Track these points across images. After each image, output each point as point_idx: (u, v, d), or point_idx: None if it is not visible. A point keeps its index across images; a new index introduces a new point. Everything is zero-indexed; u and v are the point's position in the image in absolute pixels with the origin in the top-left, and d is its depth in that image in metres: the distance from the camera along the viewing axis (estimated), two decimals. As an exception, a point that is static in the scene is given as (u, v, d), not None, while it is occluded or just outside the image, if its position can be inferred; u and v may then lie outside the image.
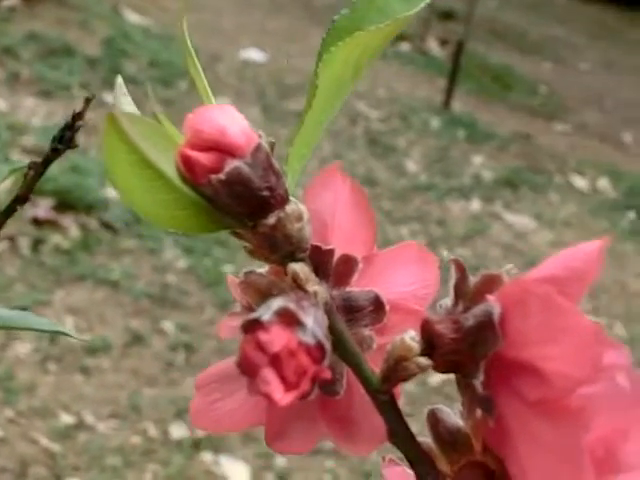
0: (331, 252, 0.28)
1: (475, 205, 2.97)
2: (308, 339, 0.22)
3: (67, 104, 2.59)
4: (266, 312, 0.22)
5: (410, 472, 0.28)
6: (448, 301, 0.26)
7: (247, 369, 0.22)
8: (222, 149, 0.24)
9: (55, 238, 2.22)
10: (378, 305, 0.28)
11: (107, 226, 2.34)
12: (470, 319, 0.25)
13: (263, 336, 0.22)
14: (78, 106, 0.46)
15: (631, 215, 3.25)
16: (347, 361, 0.26)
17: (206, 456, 1.79)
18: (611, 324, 2.50)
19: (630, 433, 0.27)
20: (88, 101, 0.56)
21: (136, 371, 1.97)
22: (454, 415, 0.29)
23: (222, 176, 0.24)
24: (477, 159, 3.26)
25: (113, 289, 2.17)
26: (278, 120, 3.07)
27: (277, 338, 0.22)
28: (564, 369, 0.23)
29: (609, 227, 3.06)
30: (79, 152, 2.54)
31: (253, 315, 0.22)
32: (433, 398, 1.91)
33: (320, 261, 0.27)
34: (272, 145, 0.25)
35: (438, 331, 0.25)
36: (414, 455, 0.25)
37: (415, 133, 3.34)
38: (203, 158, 0.24)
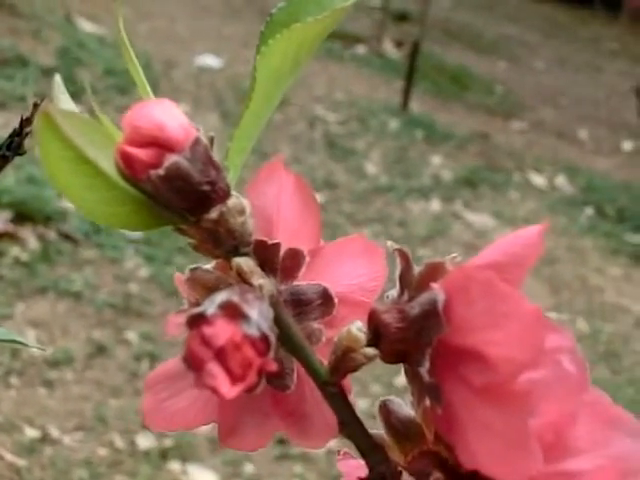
0: (277, 246, 0.28)
1: (435, 205, 2.98)
2: (253, 332, 0.22)
3: (22, 114, 2.56)
4: (210, 306, 0.22)
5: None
6: (394, 292, 0.26)
7: (193, 364, 0.22)
8: (161, 144, 0.24)
9: (14, 250, 2.19)
10: (326, 298, 0.28)
11: (66, 237, 2.32)
12: (415, 307, 0.25)
13: (207, 330, 0.22)
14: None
15: (589, 211, 3.28)
16: (295, 354, 0.26)
17: (174, 465, 1.78)
18: (573, 319, 2.52)
19: (578, 417, 0.27)
20: (36, 106, 0.56)
21: (100, 382, 1.95)
22: (406, 406, 0.29)
23: (161, 171, 0.24)
24: (436, 159, 3.28)
25: (75, 300, 2.15)
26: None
27: (221, 332, 0.22)
28: (508, 354, 0.23)
29: (568, 223, 3.09)
30: (35, 163, 2.52)
31: (197, 310, 0.22)
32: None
33: (266, 256, 0.27)
34: (211, 140, 0.25)
35: (384, 321, 0.25)
36: (365, 445, 0.26)
37: (374, 135, 3.35)
38: (142, 154, 0.24)
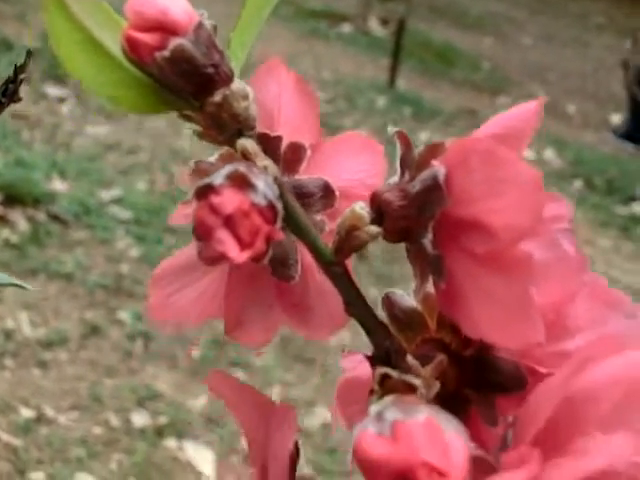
0: (279, 139, 0.28)
1: (424, 181, 2.98)
2: (260, 200, 0.23)
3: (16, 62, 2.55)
4: (217, 177, 0.23)
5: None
6: (396, 177, 0.27)
7: (202, 233, 0.22)
8: (165, 28, 0.24)
9: (4, 233, 2.19)
10: (328, 191, 0.29)
11: (56, 218, 2.32)
12: (417, 185, 0.25)
13: (216, 199, 0.22)
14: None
15: (578, 184, 3.30)
16: (299, 235, 0.26)
17: (170, 442, 1.78)
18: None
19: (577, 297, 0.28)
20: (29, 54, 0.56)
21: (95, 362, 1.96)
22: (408, 297, 0.30)
23: (166, 53, 0.24)
24: (424, 135, 3.28)
25: (67, 282, 2.16)
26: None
27: (229, 200, 0.22)
28: (508, 220, 0.23)
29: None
30: (24, 146, 2.52)
31: (205, 181, 0.23)
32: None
33: (268, 148, 0.28)
34: (214, 27, 0.25)
35: (386, 199, 0.26)
36: (370, 324, 0.26)
37: (362, 113, 3.35)
38: (147, 38, 0.24)
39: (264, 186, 0.23)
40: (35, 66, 2.89)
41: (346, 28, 4.32)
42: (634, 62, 3.80)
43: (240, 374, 1.86)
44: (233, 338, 0.30)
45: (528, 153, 3.41)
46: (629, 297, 0.29)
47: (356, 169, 0.29)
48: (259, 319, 0.29)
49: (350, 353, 0.32)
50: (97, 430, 1.79)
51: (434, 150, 0.26)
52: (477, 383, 0.28)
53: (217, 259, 0.22)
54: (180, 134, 2.86)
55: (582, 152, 3.57)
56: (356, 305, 0.26)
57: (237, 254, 0.22)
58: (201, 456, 1.78)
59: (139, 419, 1.82)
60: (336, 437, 1.74)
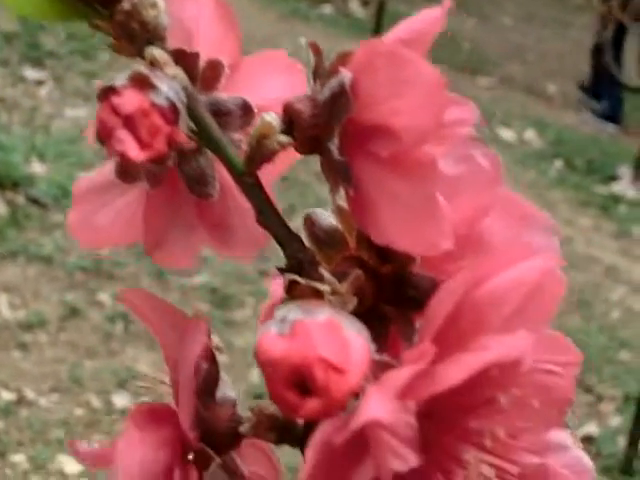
0: (196, 56, 0.28)
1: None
2: (161, 101, 0.23)
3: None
4: (119, 79, 0.23)
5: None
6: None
7: (103, 134, 0.23)
8: None
9: (-18, 215, 2.19)
10: (246, 110, 0.29)
11: (35, 202, 2.31)
12: (325, 92, 0.26)
13: (116, 100, 0.22)
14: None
15: (558, 164, 3.31)
16: (211, 147, 0.26)
17: (151, 422, 1.78)
18: (544, 270, 2.54)
19: (491, 212, 0.28)
20: None
21: (75, 344, 1.95)
22: (329, 216, 0.30)
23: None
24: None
25: (46, 264, 2.15)
26: None
27: (129, 100, 0.22)
28: (410, 121, 0.24)
29: (537, 176, 3.11)
30: (2, 129, 2.51)
31: (107, 83, 0.23)
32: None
33: (186, 65, 0.28)
34: None
35: (297, 109, 0.26)
36: (282, 235, 0.26)
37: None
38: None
39: (167, 89, 0.23)
40: (13, 49, 2.88)
41: (327, 9, 4.32)
42: (607, 42, 3.80)
43: (220, 355, 1.86)
44: (155, 259, 0.30)
45: (509, 134, 3.41)
46: (545, 213, 0.30)
47: (276, 88, 0.29)
48: (180, 240, 0.29)
49: (276, 276, 0.32)
50: (78, 412, 1.79)
51: (344, 58, 0.26)
52: (395, 300, 0.29)
53: (118, 155, 0.22)
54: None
55: (562, 132, 3.58)
56: (268, 215, 0.26)
57: (136, 153, 0.22)
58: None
59: (120, 400, 1.82)
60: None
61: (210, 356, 0.29)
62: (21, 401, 1.77)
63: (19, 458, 1.66)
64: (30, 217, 2.26)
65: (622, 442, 1.83)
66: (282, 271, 0.26)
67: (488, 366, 0.22)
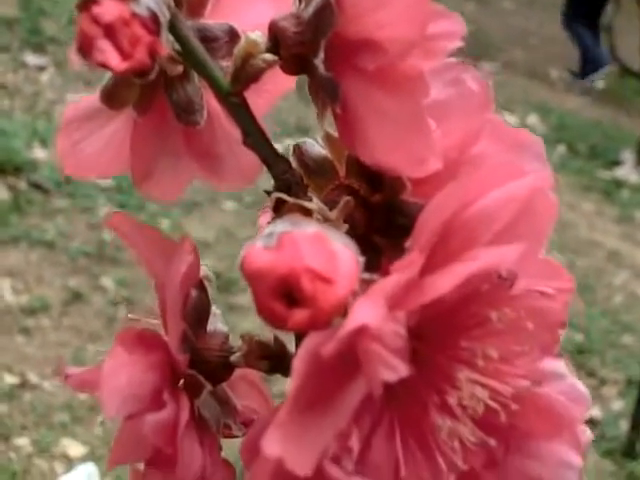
0: (181, -19, 0.28)
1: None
2: (142, 11, 0.22)
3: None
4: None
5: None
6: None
7: (84, 45, 0.22)
8: None
9: (-15, 201, 2.18)
10: (233, 36, 0.28)
11: (37, 187, 2.31)
12: (310, 9, 0.25)
13: (97, 9, 0.22)
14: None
15: (561, 149, 3.30)
16: (196, 67, 0.26)
17: (154, 406, 1.78)
18: (548, 253, 2.54)
19: (482, 136, 0.28)
20: None
21: (78, 328, 1.95)
22: (318, 145, 0.29)
23: None
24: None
25: (49, 249, 2.15)
26: None
27: (110, 9, 0.22)
28: (395, 32, 0.23)
29: (541, 160, 3.09)
30: (4, 115, 2.50)
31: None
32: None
33: (170, -10, 0.27)
34: None
35: (282, 27, 0.25)
36: (269, 155, 0.26)
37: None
38: None
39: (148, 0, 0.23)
40: (14, 35, 2.87)
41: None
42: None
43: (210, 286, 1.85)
44: (143, 192, 0.29)
45: (512, 119, 3.40)
46: (537, 139, 0.29)
47: (262, 13, 0.29)
48: (168, 170, 0.29)
49: (266, 209, 0.32)
50: (81, 395, 1.79)
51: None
52: (386, 229, 0.28)
53: (99, 66, 0.22)
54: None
55: (565, 118, 3.56)
56: (254, 136, 0.26)
57: (117, 63, 0.22)
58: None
59: (123, 384, 1.82)
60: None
61: (199, 284, 0.28)
62: (24, 385, 1.77)
63: (23, 442, 1.66)
64: (32, 202, 2.26)
65: (625, 425, 1.83)
66: (269, 193, 0.26)
67: (477, 273, 0.22)
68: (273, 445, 0.21)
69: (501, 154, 0.28)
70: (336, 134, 0.28)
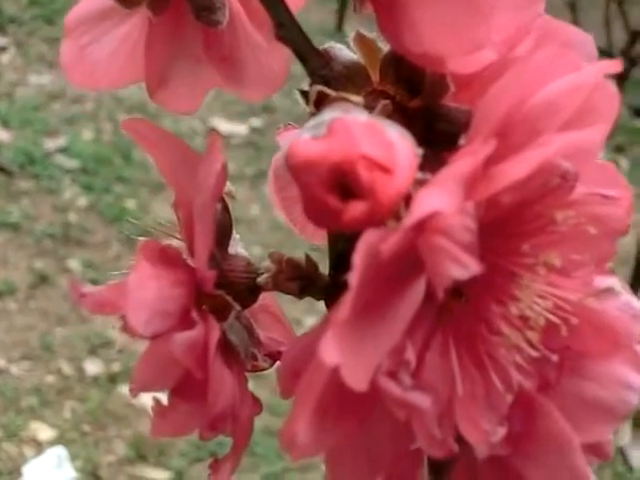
0: None
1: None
2: None
3: None
4: None
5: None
6: None
7: None
8: None
9: (-53, 183, 2.14)
10: None
11: (0, 169, 2.26)
12: None
13: None
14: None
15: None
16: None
17: (124, 389, 1.76)
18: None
19: (531, 29, 0.26)
20: None
21: (45, 311, 1.92)
22: (349, 50, 0.27)
23: None
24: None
25: (14, 232, 2.11)
26: None
27: None
28: None
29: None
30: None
31: None
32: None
33: None
34: None
35: None
36: (306, 49, 0.23)
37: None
38: None
39: None
40: (-28, 14, 2.80)
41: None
42: None
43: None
44: (158, 101, 0.27)
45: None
46: (591, 41, 0.27)
47: None
48: (186, 76, 0.26)
49: (287, 129, 0.29)
50: (49, 379, 1.76)
51: None
52: (426, 137, 0.26)
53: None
54: (126, 82, 2.79)
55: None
56: (289, 28, 0.23)
57: None
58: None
59: (92, 367, 1.79)
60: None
61: (223, 203, 0.26)
62: (-8, 369, 1.74)
63: (-9, 426, 1.63)
64: (-5, 185, 2.21)
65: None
66: (304, 94, 0.24)
67: (552, 158, 0.19)
68: (332, 352, 0.18)
69: (551, 51, 0.26)
70: (369, 34, 0.26)
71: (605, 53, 3.20)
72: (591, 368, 0.25)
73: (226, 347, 0.24)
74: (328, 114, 0.21)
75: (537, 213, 0.22)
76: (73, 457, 1.57)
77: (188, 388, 0.23)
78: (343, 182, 0.19)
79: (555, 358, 0.23)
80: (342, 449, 0.22)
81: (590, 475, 0.24)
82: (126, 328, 0.22)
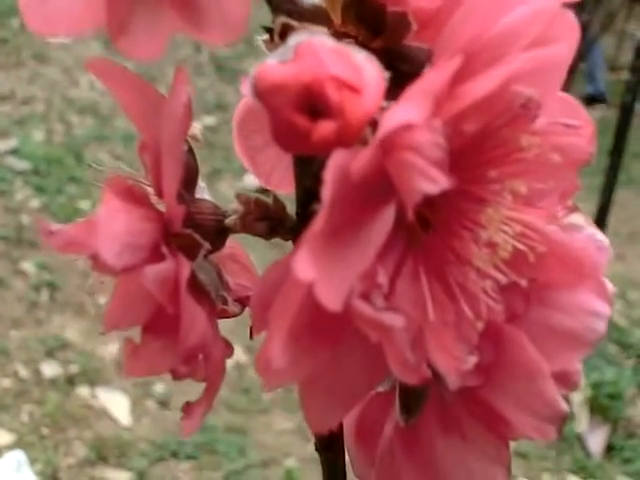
0: None
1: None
2: None
3: None
4: None
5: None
6: None
7: None
8: None
9: None
10: None
11: (-49, 172, 2.23)
12: None
13: None
14: None
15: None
16: None
17: (82, 391, 1.74)
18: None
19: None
20: None
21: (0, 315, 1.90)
22: (309, -6, 0.27)
23: None
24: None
25: (-35, 235, 2.08)
26: None
27: None
28: None
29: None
30: None
31: None
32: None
33: None
34: None
35: None
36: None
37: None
38: None
39: None
40: None
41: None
42: None
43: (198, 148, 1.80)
44: (120, 48, 0.27)
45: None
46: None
47: None
48: (147, 22, 0.26)
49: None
50: (6, 383, 1.74)
51: None
52: (389, 78, 0.26)
53: None
54: (76, 83, 2.77)
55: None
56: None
57: None
58: (115, 402, 1.74)
59: (49, 369, 1.78)
60: (250, 377, 1.72)
61: (189, 146, 0.26)
62: (-53, 374, 1.71)
63: (-52, 432, 1.61)
64: (-54, 188, 2.19)
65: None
66: (268, 29, 0.24)
67: (519, 72, 0.20)
68: (307, 268, 0.18)
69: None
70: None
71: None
72: (558, 298, 0.25)
73: (196, 286, 0.24)
74: (294, 39, 0.21)
75: (502, 140, 0.22)
76: (32, 461, 1.56)
77: (160, 324, 0.23)
78: (312, 103, 0.19)
79: (524, 283, 0.23)
80: (316, 379, 0.22)
81: (561, 402, 0.24)
82: (96, 265, 0.22)
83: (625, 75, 1.92)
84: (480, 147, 0.22)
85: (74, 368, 1.78)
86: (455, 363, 0.23)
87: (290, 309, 0.19)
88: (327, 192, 0.19)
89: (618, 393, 1.77)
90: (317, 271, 0.19)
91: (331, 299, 0.19)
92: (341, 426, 0.28)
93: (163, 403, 1.71)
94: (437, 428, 0.26)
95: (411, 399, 0.26)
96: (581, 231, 0.26)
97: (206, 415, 0.25)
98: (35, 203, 2.22)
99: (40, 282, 1.98)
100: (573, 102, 0.25)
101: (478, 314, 0.23)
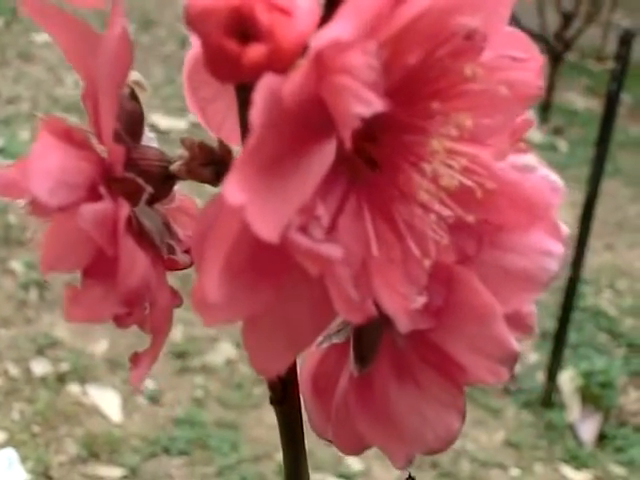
0: None
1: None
2: None
3: None
4: None
5: None
6: None
7: None
8: None
9: None
10: None
11: (-63, 171, 2.22)
12: None
13: None
14: None
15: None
16: None
17: (73, 388, 1.73)
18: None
19: None
20: None
21: (-11, 314, 1.89)
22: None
23: None
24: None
25: (-48, 235, 2.07)
26: None
27: None
28: None
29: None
30: None
31: None
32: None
33: None
34: None
35: None
36: None
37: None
38: None
39: None
40: None
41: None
42: None
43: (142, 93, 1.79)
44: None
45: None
46: None
47: None
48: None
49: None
50: (-4, 381, 1.73)
51: None
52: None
53: None
54: (61, 82, 2.76)
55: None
56: None
57: None
58: (106, 399, 1.73)
59: (39, 367, 1.77)
60: (241, 373, 1.71)
61: (131, 93, 0.25)
62: None
63: (-61, 427, 1.60)
64: None
65: (541, 377, 1.85)
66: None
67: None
68: (236, 192, 0.18)
69: None
70: None
71: (539, 37, 3.24)
72: (511, 239, 0.25)
73: (139, 231, 0.24)
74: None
75: (446, 71, 0.21)
76: (24, 459, 1.55)
77: (101, 268, 0.22)
78: (242, 27, 0.19)
79: (471, 219, 0.23)
80: (259, 320, 0.22)
81: (514, 343, 0.24)
82: (32, 206, 0.21)
83: (611, 65, 1.92)
84: (424, 79, 0.21)
85: (64, 366, 1.78)
86: (403, 302, 0.22)
87: (224, 240, 0.19)
88: (256, 114, 0.18)
89: (609, 382, 1.77)
90: (248, 196, 0.18)
91: (266, 228, 0.19)
92: (296, 379, 0.28)
93: (154, 399, 1.71)
94: (390, 376, 0.25)
95: (365, 349, 0.26)
96: (534, 171, 0.25)
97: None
98: (22, 202, 2.22)
99: (29, 281, 1.98)
100: (522, 36, 0.24)
101: (426, 252, 0.23)
